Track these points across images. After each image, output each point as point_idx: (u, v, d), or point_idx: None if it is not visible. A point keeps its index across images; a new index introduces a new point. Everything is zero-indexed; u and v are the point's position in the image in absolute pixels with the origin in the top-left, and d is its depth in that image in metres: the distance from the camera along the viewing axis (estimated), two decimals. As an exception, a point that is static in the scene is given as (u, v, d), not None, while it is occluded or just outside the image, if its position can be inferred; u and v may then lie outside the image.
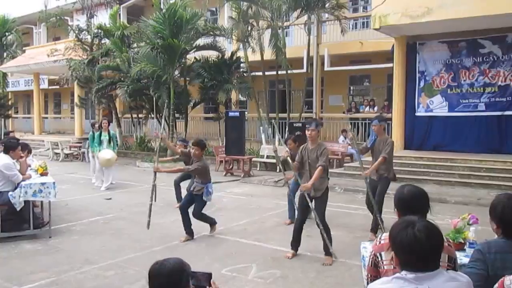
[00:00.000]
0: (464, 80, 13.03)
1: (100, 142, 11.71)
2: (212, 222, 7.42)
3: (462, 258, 3.18)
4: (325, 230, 6.03)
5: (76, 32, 20.34)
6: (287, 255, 6.17)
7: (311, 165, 6.06)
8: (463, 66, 13.02)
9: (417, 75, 13.72)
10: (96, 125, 12.62)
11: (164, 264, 2.18)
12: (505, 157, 11.49)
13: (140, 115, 20.54)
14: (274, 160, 14.77)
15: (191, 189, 7.25)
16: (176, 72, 17.33)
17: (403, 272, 1.95)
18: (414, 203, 2.69)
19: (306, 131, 6.21)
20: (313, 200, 6.12)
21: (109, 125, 12.23)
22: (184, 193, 8.38)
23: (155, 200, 7.41)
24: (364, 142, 15.65)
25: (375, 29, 12.68)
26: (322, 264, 5.89)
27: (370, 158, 7.68)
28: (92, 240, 7.06)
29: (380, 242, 2.61)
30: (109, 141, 11.79)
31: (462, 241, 3.44)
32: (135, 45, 18.79)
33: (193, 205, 7.21)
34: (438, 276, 1.92)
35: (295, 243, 6.22)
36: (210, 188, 7.14)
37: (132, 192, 11.38)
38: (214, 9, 20.98)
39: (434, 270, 1.92)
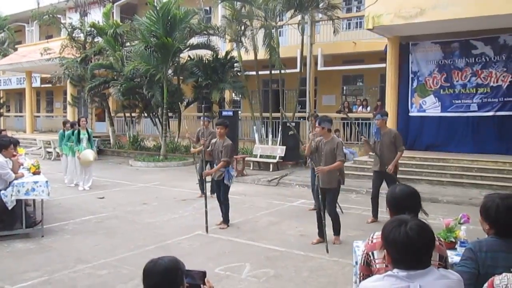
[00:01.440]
0: (457, 81, 13.12)
1: (79, 141, 11.36)
2: (227, 219, 7.77)
3: (453, 257, 3.21)
4: (335, 217, 6.77)
5: (69, 30, 20.23)
6: (313, 241, 6.75)
7: (327, 157, 6.58)
8: (456, 67, 13.11)
9: (410, 75, 13.80)
10: (68, 124, 12.41)
11: (158, 262, 2.19)
12: (496, 157, 11.58)
13: (133, 114, 20.46)
14: (267, 160, 14.82)
15: (213, 176, 7.75)
16: (170, 71, 17.29)
17: (395, 270, 1.97)
18: (406, 202, 2.72)
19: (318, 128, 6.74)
20: (325, 192, 6.69)
21: (86, 122, 11.96)
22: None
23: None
24: (358, 142, 15.84)
25: (368, 29, 12.74)
26: (333, 243, 6.57)
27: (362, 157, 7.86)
28: (85, 239, 7.04)
29: (372, 241, 2.63)
30: (88, 139, 11.54)
31: (454, 240, 3.48)
32: (128, 43, 18.72)
33: None
34: (430, 274, 1.95)
35: (319, 230, 6.74)
36: (231, 171, 7.64)
37: (125, 191, 11.36)
38: (208, 8, 20.95)
39: (425, 268, 1.95)
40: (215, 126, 7.85)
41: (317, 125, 6.74)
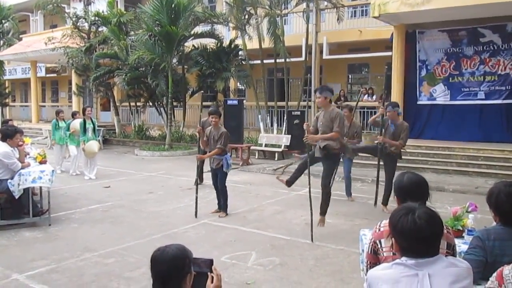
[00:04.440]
0: (466, 69, 13.02)
1: (85, 131, 11.28)
2: (226, 207, 7.81)
3: (461, 245, 3.20)
4: (326, 195, 6.63)
5: (73, 19, 20.19)
6: (281, 178, 7.24)
7: (324, 128, 6.53)
8: (464, 55, 13.01)
9: (418, 64, 13.69)
10: (61, 114, 12.37)
11: (166, 250, 2.19)
12: (503, 146, 11.52)
13: (138, 104, 20.48)
14: (273, 149, 14.80)
15: (211, 165, 7.77)
16: (174, 60, 17.27)
17: (403, 258, 1.96)
18: (414, 190, 2.70)
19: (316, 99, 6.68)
20: (322, 162, 6.68)
21: (91, 112, 11.90)
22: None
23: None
24: (363, 131, 15.81)
25: (374, 17, 12.62)
26: (317, 225, 6.52)
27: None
28: (92, 228, 7.08)
29: (379, 230, 2.62)
30: (93, 130, 11.53)
31: (461, 229, 3.46)
32: (132, 32, 18.68)
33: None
34: (438, 262, 1.94)
35: (293, 178, 7.07)
36: (228, 159, 7.65)
37: (131, 181, 11.40)
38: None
39: (434, 256, 1.94)
40: (208, 114, 7.84)
41: (317, 95, 6.58)
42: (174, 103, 18.30)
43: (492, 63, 12.65)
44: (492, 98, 12.67)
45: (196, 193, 7.71)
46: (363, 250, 3.32)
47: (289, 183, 7.09)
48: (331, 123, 6.45)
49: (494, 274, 1.99)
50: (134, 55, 16.03)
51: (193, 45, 17.63)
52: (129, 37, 18.70)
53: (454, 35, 13.10)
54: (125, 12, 19.24)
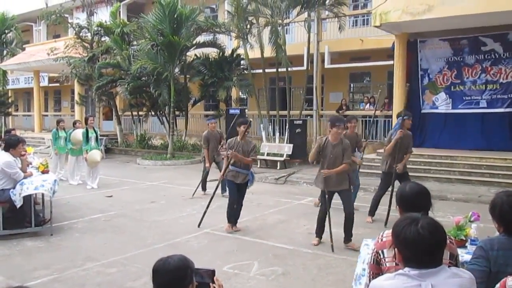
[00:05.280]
0: (467, 78, 13.05)
1: (88, 140, 11.29)
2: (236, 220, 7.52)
3: (464, 255, 3.19)
4: (352, 221, 6.50)
5: (76, 29, 20.31)
6: (313, 242, 6.58)
7: (336, 160, 6.40)
8: (466, 64, 13.04)
9: (420, 72, 13.72)
10: (61, 123, 12.40)
11: (168, 261, 2.19)
12: (505, 154, 11.49)
13: (140, 113, 20.53)
14: (275, 158, 14.79)
15: (235, 180, 7.28)
16: (177, 70, 17.33)
17: (406, 269, 1.96)
18: (417, 200, 2.70)
19: (334, 128, 6.38)
20: (339, 193, 6.55)
21: (93, 121, 11.93)
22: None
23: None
24: (365, 140, 15.80)
25: (376, 27, 12.64)
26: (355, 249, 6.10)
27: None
28: (94, 238, 7.07)
29: (382, 240, 2.62)
30: (96, 139, 11.55)
31: (464, 238, 3.45)
32: (135, 42, 18.79)
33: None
34: (441, 273, 1.93)
35: (319, 231, 6.64)
36: (254, 174, 7.44)
37: (133, 190, 11.40)
38: (214, 6, 20.95)
39: (437, 267, 1.93)
40: (237, 125, 7.39)
41: (338, 125, 6.34)
42: (176, 112, 18.34)
43: (493, 71, 12.67)
44: (494, 106, 12.67)
45: (209, 204, 7.65)
46: (364, 261, 3.31)
47: (318, 237, 6.69)
48: (342, 153, 6.37)
49: (498, 285, 1.99)
50: (136, 65, 16.11)
51: (195, 55, 17.71)
52: (132, 47, 18.80)
53: (456, 44, 13.13)
54: (127, 22, 19.36)
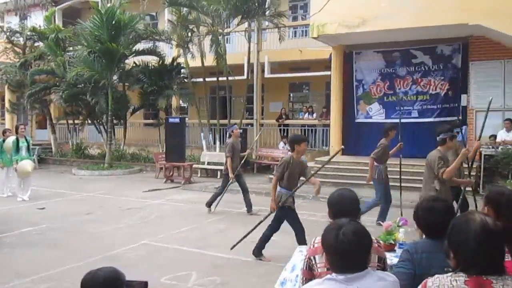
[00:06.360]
0: (399, 89, 13.66)
1: (18, 150, 10.74)
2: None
3: (393, 258, 3.32)
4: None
5: (8, 34, 19.39)
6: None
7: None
8: (398, 75, 13.66)
9: (355, 83, 14.22)
10: (8, 132, 11.78)
11: (97, 274, 2.13)
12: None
13: (76, 121, 19.85)
14: (215, 167, 14.75)
15: (292, 206, 6.19)
16: (115, 77, 16.94)
17: (334, 274, 2.01)
18: (345, 206, 2.78)
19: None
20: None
21: (25, 130, 11.41)
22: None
23: None
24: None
25: (313, 38, 13.01)
26: None
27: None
28: (25, 252, 6.72)
29: (314, 246, 2.68)
30: (28, 148, 11.04)
31: (393, 242, 3.60)
32: (71, 48, 18.19)
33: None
34: (367, 277, 2.00)
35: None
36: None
37: (68, 201, 10.98)
38: (154, 14, 20.71)
39: (362, 271, 2.00)
40: (296, 143, 6.11)
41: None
42: (115, 121, 17.89)
43: (423, 83, 13.35)
44: (424, 116, 13.33)
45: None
46: (293, 267, 3.37)
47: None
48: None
49: (419, 287, 2.08)
50: (72, 72, 15.60)
51: (134, 62, 17.41)
52: (68, 53, 18.19)
53: (388, 56, 13.74)
54: (63, 27, 18.72)
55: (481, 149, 11.42)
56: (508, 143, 11.72)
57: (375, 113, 13.99)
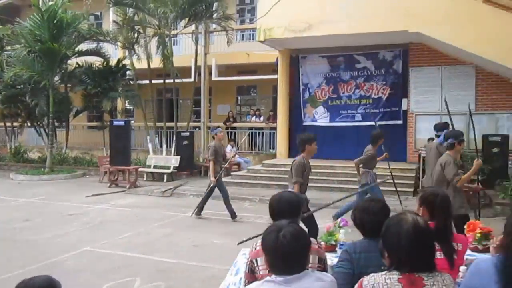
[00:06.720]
0: (343, 93, 14.02)
1: None
2: None
3: (334, 259, 3.38)
4: None
5: None
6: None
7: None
8: (342, 80, 14.01)
9: (301, 87, 14.46)
10: None
11: (30, 283, 2.05)
12: (378, 164, 12.42)
13: (15, 124, 18.98)
14: (161, 170, 14.54)
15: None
16: (56, 78, 16.35)
17: (273, 276, 2.03)
18: (284, 208, 2.82)
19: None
20: None
21: None
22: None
23: None
24: (252, 151, 16.20)
25: (260, 41, 13.11)
26: None
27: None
28: (-46, 262, 6.35)
29: (256, 248, 2.68)
30: None
31: (334, 243, 3.67)
32: (9, 47, 17.39)
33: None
34: (305, 278, 2.03)
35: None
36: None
37: (4, 208, 10.46)
38: (98, 13, 20.18)
39: (301, 272, 2.03)
40: (306, 142, 6.40)
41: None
42: (56, 124, 17.26)
43: (366, 87, 13.77)
44: (367, 120, 13.72)
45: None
46: (237, 271, 3.37)
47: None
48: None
49: (356, 286, 2.13)
50: (10, 72, 14.91)
51: (77, 63, 16.87)
52: (5, 52, 17.38)
53: (333, 60, 14.07)
54: (0, 26, 17.87)
55: (419, 152, 11.93)
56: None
57: (320, 117, 14.30)
